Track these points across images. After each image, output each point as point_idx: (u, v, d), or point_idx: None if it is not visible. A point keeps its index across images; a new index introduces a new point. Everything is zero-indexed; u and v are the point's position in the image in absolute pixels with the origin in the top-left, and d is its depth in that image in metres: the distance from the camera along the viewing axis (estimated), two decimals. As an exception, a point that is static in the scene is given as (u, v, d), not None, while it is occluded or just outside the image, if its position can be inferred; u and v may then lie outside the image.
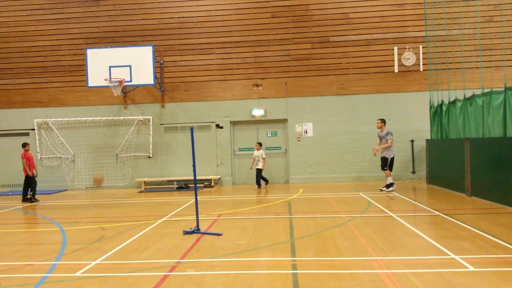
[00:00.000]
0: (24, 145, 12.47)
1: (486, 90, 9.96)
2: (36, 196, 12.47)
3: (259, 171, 13.45)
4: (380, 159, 11.89)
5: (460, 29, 13.13)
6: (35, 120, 15.30)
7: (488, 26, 13.85)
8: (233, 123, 15.28)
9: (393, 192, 11.28)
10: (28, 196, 12.25)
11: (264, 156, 13.44)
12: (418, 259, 5.29)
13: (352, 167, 14.59)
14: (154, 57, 13.88)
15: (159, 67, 14.99)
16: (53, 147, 15.21)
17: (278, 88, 14.91)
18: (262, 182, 13.65)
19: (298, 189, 13.00)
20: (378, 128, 11.89)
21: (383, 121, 11.84)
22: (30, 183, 12.24)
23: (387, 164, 11.58)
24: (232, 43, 15.02)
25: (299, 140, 14.86)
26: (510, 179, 8.36)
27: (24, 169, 12.12)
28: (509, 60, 13.61)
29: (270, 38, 14.91)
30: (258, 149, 13.46)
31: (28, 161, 12.14)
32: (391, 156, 11.62)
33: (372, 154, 14.34)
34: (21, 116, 15.48)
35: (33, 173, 12.20)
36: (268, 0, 14.90)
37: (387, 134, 11.53)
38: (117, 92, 13.39)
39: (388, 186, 11.58)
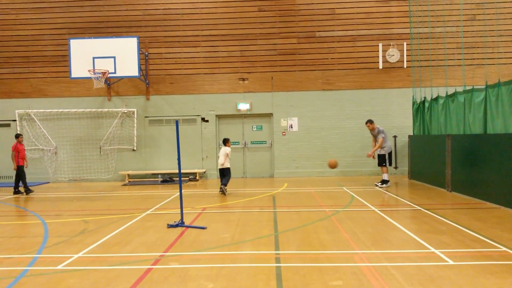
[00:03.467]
0: (17, 136, 12.32)
1: (467, 88, 10.15)
2: (21, 188, 12.20)
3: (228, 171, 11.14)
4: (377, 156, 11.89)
5: (444, 26, 13.31)
6: (16, 111, 14.98)
7: (471, 25, 14.08)
8: (219, 117, 15.23)
9: (376, 187, 11.43)
10: (21, 189, 12.06)
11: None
12: (399, 252, 5.39)
13: (336, 162, 14.71)
14: (139, 49, 13.71)
15: (144, 59, 14.82)
16: (35, 138, 14.94)
17: (264, 83, 14.91)
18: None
19: (283, 183, 13.07)
20: (370, 130, 11.82)
21: (371, 122, 11.72)
22: (19, 175, 12.05)
23: (385, 160, 11.56)
24: (218, 36, 14.94)
25: (284, 135, 14.91)
26: (489, 175, 8.57)
27: (15, 161, 11.99)
28: (491, 58, 13.87)
29: (256, 32, 14.87)
30: (229, 146, 11.41)
31: (17, 153, 11.96)
32: (389, 152, 11.62)
33: (358, 152, 14.51)
34: (2, 107, 15.14)
35: (22, 165, 12.06)
36: (255, -7, 14.85)
37: (378, 132, 11.54)
38: (99, 84, 13.21)
39: (383, 182, 11.56)
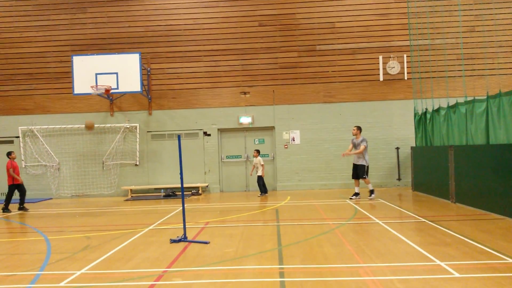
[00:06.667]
0: (9, 153, 12.18)
1: (469, 99, 10.16)
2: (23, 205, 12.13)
3: (259, 178, 13.37)
4: (352, 166, 11.68)
5: (443, 38, 13.40)
6: (19, 127, 15.07)
7: (470, 36, 14.16)
8: (221, 131, 15.28)
9: (379, 199, 11.37)
10: (20, 206, 11.93)
11: (262, 163, 13.30)
12: (404, 265, 5.34)
13: (339, 175, 14.67)
14: (141, 65, 13.83)
15: (146, 75, 14.94)
16: (38, 155, 14.99)
17: (265, 96, 14.99)
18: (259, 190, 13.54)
19: (286, 196, 13.03)
20: (354, 135, 11.67)
21: (359, 128, 11.60)
22: (20, 191, 11.87)
23: (365, 172, 11.39)
24: (219, 51, 15.07)
25: (286, 148, 14.92)
26: (493, 186, 8.52)
27: (10, 179, 11.77)
28: (491, 69, 13.91)
29: (257, 46, 15.01)
30: (256, 156, 13.32)
31: (14, 170, 11.84)
32: (368, 164, 11.48)
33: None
34: (6, 123, 15.25)
35: (20, 183, 11.93)
36: (255, 8, 15.02)
37: (362, 141, 11.36)
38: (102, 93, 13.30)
39: (356, 194, 11.61)
